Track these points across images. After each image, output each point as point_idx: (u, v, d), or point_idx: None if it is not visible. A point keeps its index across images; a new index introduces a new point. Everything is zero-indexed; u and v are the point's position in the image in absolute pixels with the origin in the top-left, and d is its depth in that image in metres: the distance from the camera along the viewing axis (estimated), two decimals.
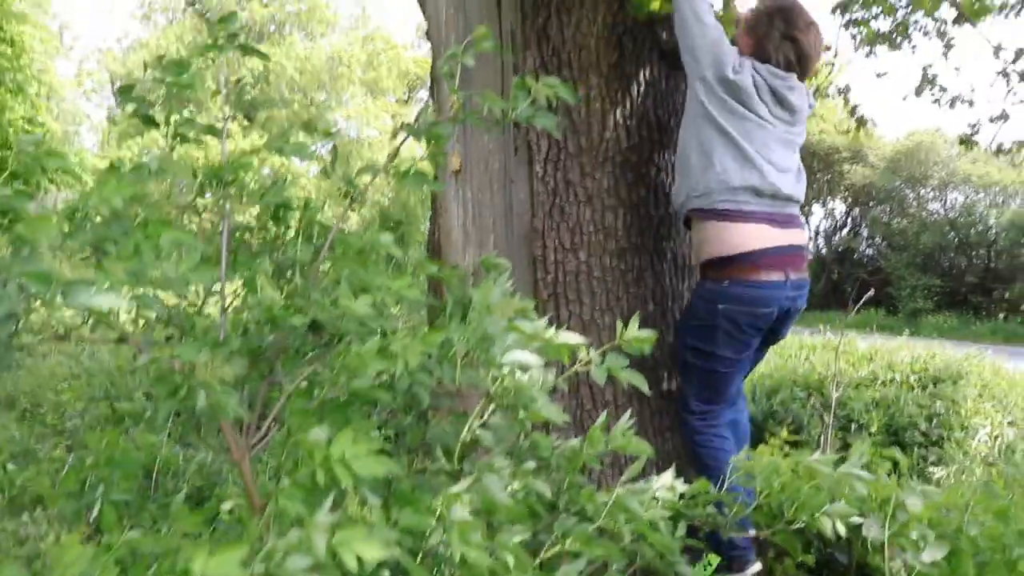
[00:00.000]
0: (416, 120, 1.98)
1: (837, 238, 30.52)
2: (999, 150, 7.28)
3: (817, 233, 30.83)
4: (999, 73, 6.46)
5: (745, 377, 3.29)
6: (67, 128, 28.34)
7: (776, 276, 2.89)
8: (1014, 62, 6.29)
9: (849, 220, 30.71)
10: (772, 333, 3.08)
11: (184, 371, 1.60)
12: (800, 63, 3.01)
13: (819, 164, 28.20)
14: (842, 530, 2.28)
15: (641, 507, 2.03)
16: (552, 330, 1.67)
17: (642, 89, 3.29)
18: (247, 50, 2.03)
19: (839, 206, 30.69)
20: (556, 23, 3.21)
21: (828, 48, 6.42)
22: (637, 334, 1.76)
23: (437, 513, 1.49)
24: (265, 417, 1.85)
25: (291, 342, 1.83)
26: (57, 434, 5.98)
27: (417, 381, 1.65)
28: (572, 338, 1.66)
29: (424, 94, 32.97)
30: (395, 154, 1.99)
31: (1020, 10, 6.22)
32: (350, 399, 1.61)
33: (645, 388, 1.77)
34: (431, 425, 2.13)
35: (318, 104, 30.00)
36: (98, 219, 1.61)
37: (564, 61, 3.20)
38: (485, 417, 1.79)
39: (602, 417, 2.05)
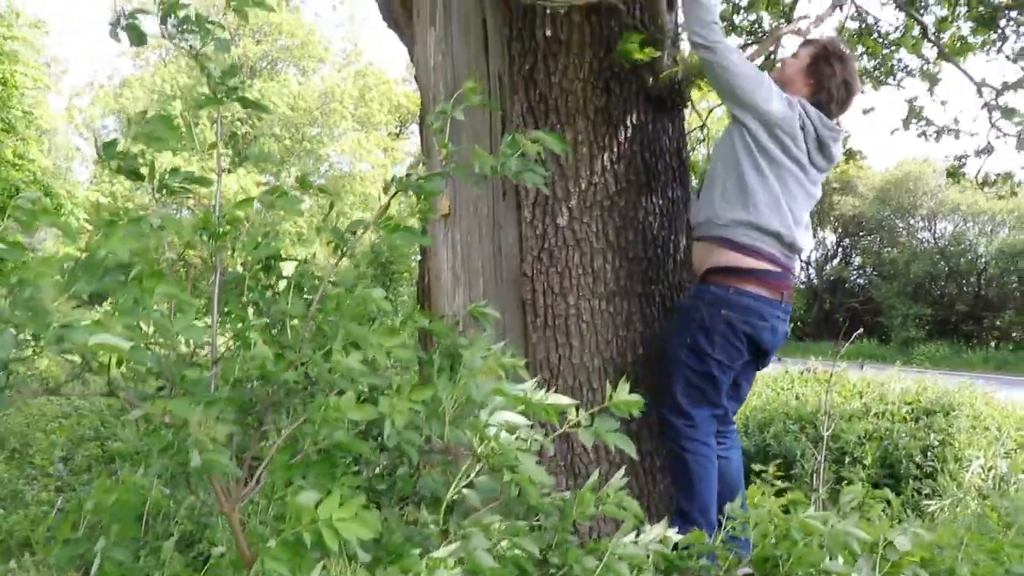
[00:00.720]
0: (407, 174, 1.99)
1: (828, 268, 30.65)
2: (985, 182, 7.33)
3: (808, 263, 30.95)
4: (983, 107, 6.51)
5: (736, 409, 3.30)
6: (58, 163, 28.35)
7: (774, 295, 3.01)
8: (997, 97, 6.35)
9: (840, 250, 30.86)
10: (761, 354, 3.13)
11: (175, 425, 1.60)
12: (848, 103, 3.18)
13: None
14: None
15: (632, 571, 2.02)
16: (541, 392, 1.68)
17: (629, 133, 3.31)
18: (246, 103, 2.05)
19: (830, 236, 30.86)
20: (543, 69, 3.23)
21: None
22: (626, 399, 1.76)
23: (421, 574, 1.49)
24: (255, 468, 1.85)
25: (282, 396, 1.84)
26: (46, 476, 5.93)
27: (405, 440, 1.65)
28: (560, 400, 1.66)
29: (415, 128, 33.12)
30: (385, 208, 2.00)
31: (1000, 47, 6.30)
32: (333, 452, 1.61)
33: (633, 452, 1.77)
34: (422, 475, 2.13)
35: (310, 139, 30.09)
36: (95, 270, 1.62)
37: (551, 106, 3.23)
38: (472, 476, 1.78)
39: (594, 476, 2.05)
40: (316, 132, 30.48)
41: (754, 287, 2.98)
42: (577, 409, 1.82)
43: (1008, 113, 6.44)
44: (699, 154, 6.16)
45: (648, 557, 2.06)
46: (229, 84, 2.00)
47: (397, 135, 34.90)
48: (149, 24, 1.98)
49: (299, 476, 1.64)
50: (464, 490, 1.84)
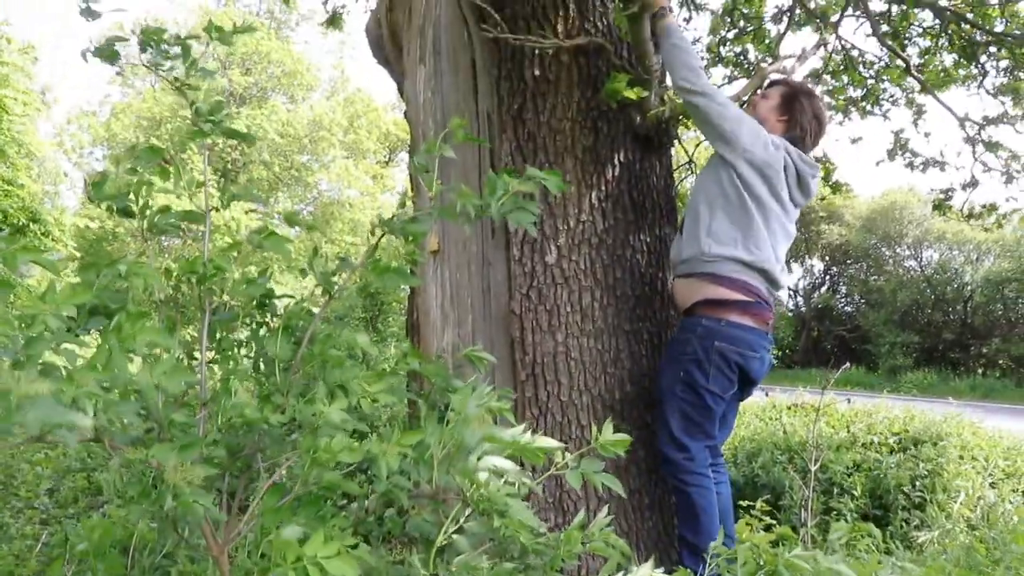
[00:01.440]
0: (392, 216, 2.00)
1: (816, 296, 30.74)
2: (971, 214, 7.39)
3: (796, 291, 31.06)
4: (966, 141, 6.59)
5: (724, 439, 3.31)
6: (46, 188, 28.31)
7: (761, 326, 3.05)
8: (980, 131, 6.43)
9: (827, 278, 30.99)
10: (747, 384, 3.15)
11: (159, 470, 1.60)
12: (820, 136, 3.30)
13: (797, 224, 28.45)
14: None
15: None
16: (528, 435, 1.69)
17: (617, 172, 3.35)
18: (233, 135, 2.06)
19: (817, 264, 31.01)
20: (532, 108, 3.27)
21: None
22: (612, 438, 1.77)
23: None
24: (244, 510, 1.84)
25: (268, 442, 1.84)
26: (31, 508, 5.88)
27: (395, 483, 1.66)
28: (547, 443, 1.67)
29: (404, 155, 33.18)
30: (374, 250, 2.01)
31: (982, 82, 6.38)
32: (322, 494, 1.61)
33: (621, 491, 1.78)
34: (411, 516, 2.13)
35: (299, 166, 30.12)
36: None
37: (540, 145, 3.26)
38: (461, 521, 1.79)
39: (580, 515, 2.06)
40: (305, 159, 30.54)
41: (744, 318, 3.02)
42: (564, 452, 1.83)
43: (992, 147, 6.52)
44: (687, 184, 6.20)
45: None
46: (215, 119, 2.01)
47: (386, 162, 34.97)
48: (134, 51, 1.99)
49: (288, 517, 1.64)
50: (454, 536, 1.85)
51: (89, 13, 2.06)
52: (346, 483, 1.61)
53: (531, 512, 1.81)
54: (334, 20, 6.99)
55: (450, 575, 1.80)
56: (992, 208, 7.30)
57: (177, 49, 1.93)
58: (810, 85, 3.38)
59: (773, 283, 3.11)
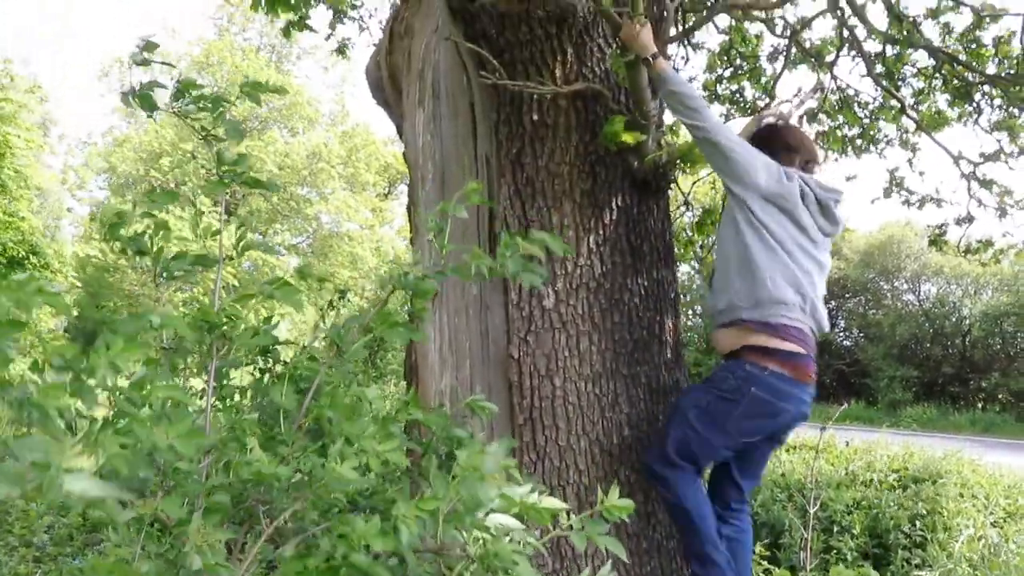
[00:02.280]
0: (403, 272, 2.01)
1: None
2: (968, 250, 7.43)
3: None
4: (962, 178, 6.64)
5: (752, 487, 3.26)
6: (49, 222, 28.40)
7: (802, 378, 2.98)
8: (975, 168, 6.47)
9: (827, 312, 31.02)
10: (776, 440, 3.14)
11: (166, 522, 1.60)
12: (816, 156, 3.31)
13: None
14: None
15: None
16: (534, 494, 1.69)
17: (615, 216, 3.36)
18: (254, 184, 2.07)
19: None
20: (530, 152, 3.29)
21: None
22: (617, 503, 1.77)
23: None
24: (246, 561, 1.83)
25: (273, 494, 1.83)
26: (26, 546, 5.84)
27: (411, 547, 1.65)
28: (554, 503, 1.67)
29: (403, 188, 33.28)
30: (384, 304, 2.02)
31: (977, 119, 6.42)
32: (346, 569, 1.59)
33: (623, 555, 1.78)
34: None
35: (298, 198, 30.19)
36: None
37: (538, 189, 3.28)
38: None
39: (585, 573, 2.05)
40: (304, 191, 30.62)
41: (784, 369, 2.94)
42: (569, 514, 1.83)
43: (987, 184, 6.57)
44: (684, 221, 6.23)
45: None
46: (238, 170, 2.02)
47: (385, 195, 35.08)
48: (160, 96, 2.00)
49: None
50: None
51: (141, 61, 2.06)
52: (375, 567, 1.59)
53: (536, 572, 1.81)
54: (341, 50, 7.18)
55: None
56: (988, 244, 7.34)
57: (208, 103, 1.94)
58: (806, 124, 3.38)
59: (812, 317, 3.04)
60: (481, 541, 1.70)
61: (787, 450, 9.29)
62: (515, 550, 1.64)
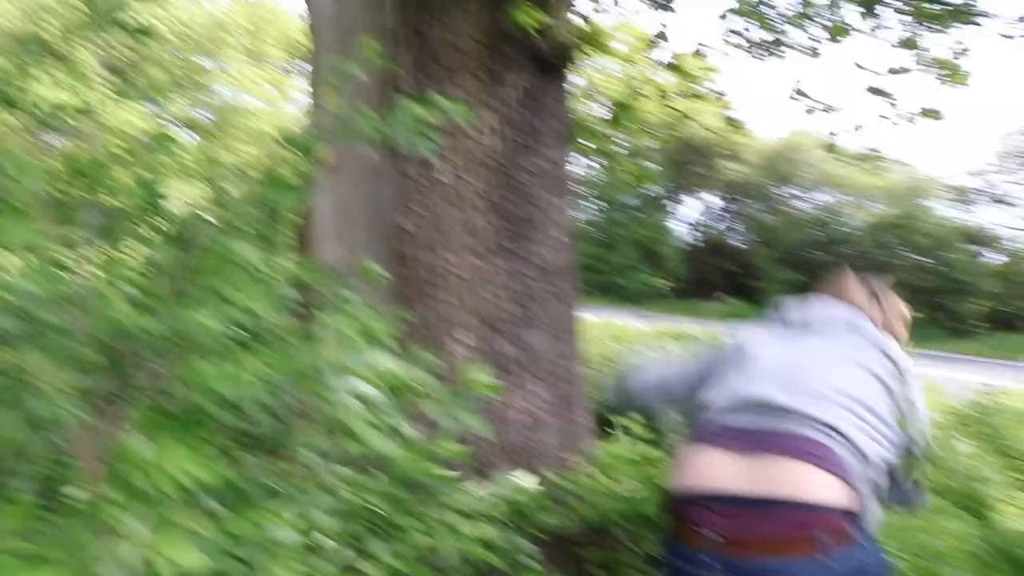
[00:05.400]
0: (293, 133, 1.99)
1: (711, 231, 31.46)
2: (859, 158, 7.66)
3: (692, 225, 31.72)
4: (864, 89, 6.80)
5: None
6: None
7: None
8: (875, 80, 6.62)
9: (723, 214, 31.71)
10: None
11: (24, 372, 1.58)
12: None
13: (697, 159, 29.05)
14: None
15: (472, 524, 2.11)
16: (401, 365, 1.72)
17: (516, 94, 3.36)
18: (130, 30, 2.00)
19: (714, 200, 31.69)
20: (435, 24, 3.24)
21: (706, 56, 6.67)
22: (483, 380, 1.83)
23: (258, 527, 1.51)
24: (118, 419, 1.84)
25: (148, 352, 1.83)
26: None
27: (260, 402, 1.66)
28: (418, 376, 1.71)
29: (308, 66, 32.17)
30: (273, 164, 2.00)
31: (880, 33, 6.53)
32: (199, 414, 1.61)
33: (486, 431, 1.85)
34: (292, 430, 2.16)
35: (198, 70, 28.96)
36: None
37: (441, 63, 3.24)
38: (317, 442, 1.82)
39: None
40: (205, 62, 29.40)
41: None
42: (434, 387, 1.87)
43: (883, 94, 6.75)
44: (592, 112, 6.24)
45: (497, 503, 2.16)
46: (115, 15, 1.95)
47: (289, 71, 33.97)
48: None
49: (164, 427, 1.64)
50: (307, 453, 1.87)
51: None
52: (221, 412, 1.60)
53: (391, 444, 1.86)
54: None
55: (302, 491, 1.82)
56: (878, 153, 7.57)
57: None
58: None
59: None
60: (333, 405, 1.73)
61: (657, 338, 9.47)
62: (369, 420, 1.67)
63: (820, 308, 2.56)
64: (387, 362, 1.71)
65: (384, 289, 3.19)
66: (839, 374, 2.19)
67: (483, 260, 3.25)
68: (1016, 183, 34.57)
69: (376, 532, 1.96)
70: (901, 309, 2.57)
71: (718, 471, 2.02)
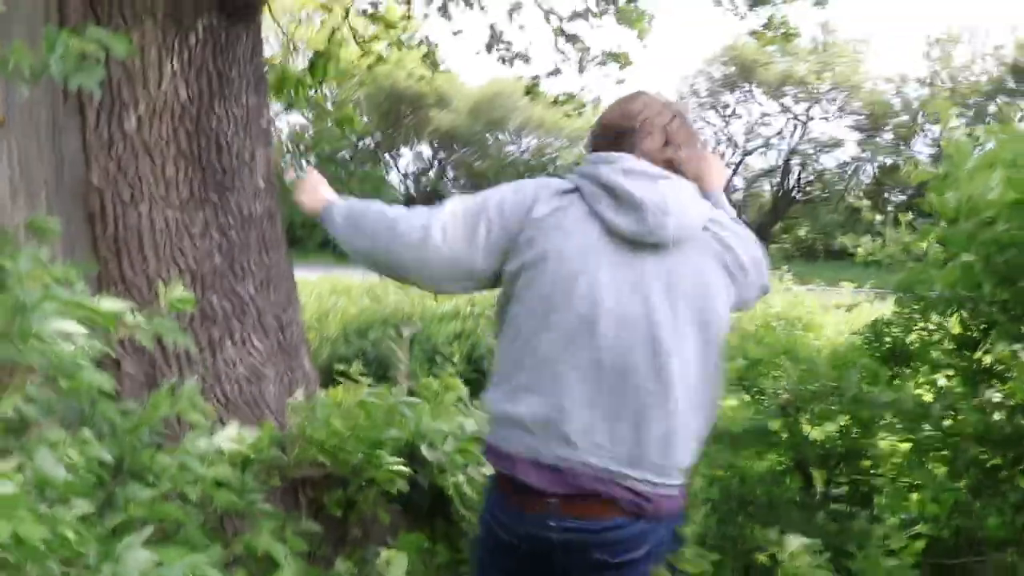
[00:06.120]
0: None
1: (424, 180, 31.91)
2: (555, 100, 8.06)
3: (406, 176, 31.98)
4: (553, 31, 7.13)
5: None
6: None
7: None
8: (562, 24, 6.96)
9: (436, 163, 32.23)
10: None
11: None
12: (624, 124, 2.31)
13: (407, 108, 29.25)
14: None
15: (205, 464, 2.08)
16: (109, 297, 1.66)
17: (200, 38, 3.22)
18: None
19: (426, 150, 32.12)
20: None
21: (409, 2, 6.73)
22: (179, 295, 1.79)
23: None
24: None
25: None
26: None
27: None
28: (114, 304, 1.65)
29: None
30: None
31: None
32: None
33: (193, 347, 1.82)
34: None
35: None
36: None
37: (115, 4, 3.05)
38: (25, 391, 1.72)
39: (167, 383, 2.07)
40: None
41: None
42: (134, 312, 1.81)
43: (571, 39, 7.14)
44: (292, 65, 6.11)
45: (224, 454, 2.13)
46: None
47: None
48: None
49: None
50: (23, 406, 1.78)
51: None
52: None
53: (106, 376, 1.79)
54: None
55: (23, 449, 1.73)
56: (571, 96, 7.99)
57: None
58: None
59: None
60: (40, 351, 1.65)
61: (396, 289, 9.62)
62: (77, 355, 1.61)
63: None
64: (82, 293, 1.64)
65: (81, 251, 3.01)
66: None
67: (181, 211, 3.14)
68: (698, 120, 37.70)
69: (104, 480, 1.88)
70: None
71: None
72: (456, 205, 2.15)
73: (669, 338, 1.93)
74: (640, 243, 1.95)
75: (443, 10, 7.18)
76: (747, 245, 2.15)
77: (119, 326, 1.82)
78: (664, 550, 2.02)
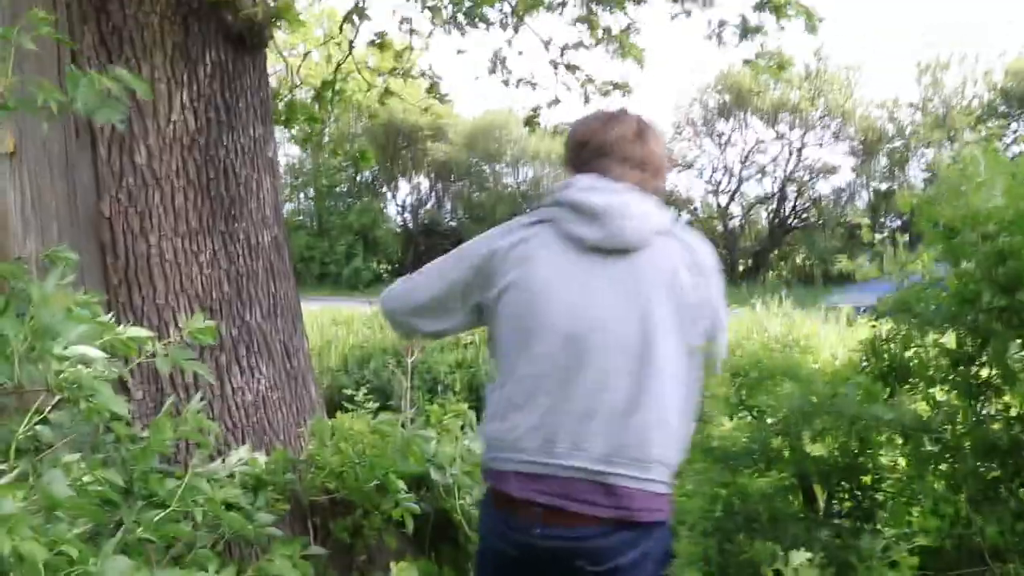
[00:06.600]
0: None
1: (422, 212, 32.00)
2: (555, 130, 8.12)
3: (404, 208, 32.08)
4: (551, 63, 7.21)
5: None
6: None
7: None
8: (562, 54, 7.05)
9: (433, 195, 32.35)
10: None
11: None
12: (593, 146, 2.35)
13: (404, 141, 29.44)
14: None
15: (215, 486, 2.12)
16: (119, 325, 1.71)
17: (209, 71, 3.31)
18: None
19: (424, 182, 32.26)
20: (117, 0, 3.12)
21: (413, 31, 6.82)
22: (200, 326, 1.84)
23: None
24: None
25: None
26: None
27: None
28: (137, 331, 1.70)
29: None
30: None
31: (563, 9, 6.96)
32: None
33: (211, 377, 1.87)
34: None
35: None
36: None
37: (126, 39, 3.13)
38: (45, 412, 1.77)
39: (168, 404, 2.11)
40: None
41: None
42: (155, 341, 1.86)
43: (571, 69, 7.22)
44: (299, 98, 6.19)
45: (234, 476, 2.17)
46: None
47: None
48: None
49: None
50: (37, 427, 1.82)
51: None
52: None
53: (121, 399, 1.83)
54: None
55: (34, 470, 1.77)
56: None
57: None
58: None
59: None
60: (62, 373, 1.69)
61: None
62: (96, 377, 1.66)
63: None
64: (106, 320, 1.69)
65: (92, 280, 3.06)
66: None
67: (189, 241, 3.20)
68: (694, 148, 37.92)
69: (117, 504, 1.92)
70: None
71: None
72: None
73: (641, 338, 1.99)
74: (605, 250, 2.02)
75: (453, 21, 7.22)
76: (708, 252, 2.19)
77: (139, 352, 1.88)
78: (654, 564, 2.05)
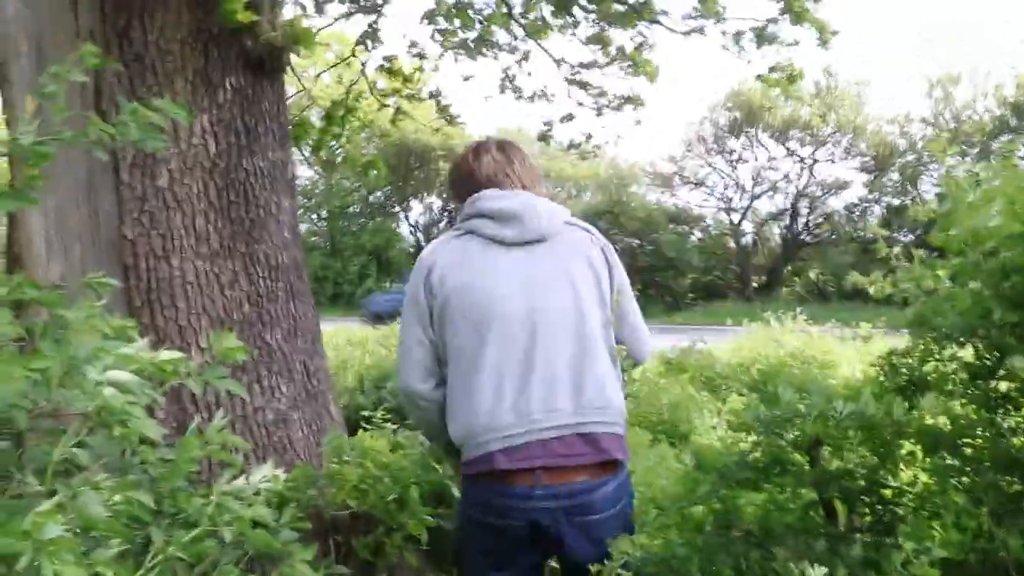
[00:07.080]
0: (14, 137, 1.91)
1: (435, 231, 32.06)
2: (571, 145, 8.17)
3: (416, 227, 32.16)
4: (564, 81, 7.28)
5: None
6: None
7: None
8: (574, 73, 7.11)
9: (446, 214, 32.42)
10: None
11: None
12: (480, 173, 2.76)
13: (416, 161, 29.57)
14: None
15: (242, 504, 2.14)
16: (150, 350, 1.73)
17: (229, 95, 3.36)
18: None
19: (436, 201, 32.36)
20: (139, 26, 3.18)
21: (421, 56, 6.88)
22: (231, 345, 1.87)
23: (28, 534, 1.48)
24: None
25: None
26: None
27: (15, 404, 1.63)
28: (170, 355, 1.73)
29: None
30: None
31: (575, 32, 7.03)
32: None
33: (244, 394, 1.89)
34: (28, 447, 2.08)
35: None
36: None
37: (148, 66, 3.18)
38: (80, 436, 1.79)
39: (193, 424, 2.13)
40: None
41: None
42: (186, 363, 1.89)
43: (583, 86, 7.28)
44: (308, 116, 6.25)
45: (259, 493, 2.19)
46: None
47: None
48: None
49: None
50: (74, 449, 1.85)
51: None
52: None
53: (153, 423, 1.86)
54: None
55: (69, 489, 1.80)
56: (589, 137, 8.10)
57: None
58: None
59: None
60: (97, 398, 1.72)
61: None
62: (130, 401, 1.68)
63: None
64: (141, 347, 1.72)
65: (115, 302, 3.09)
66: None
67: (210, 263, 3.24)
68: (705, 166, 37.98)
69: (147, 522, 1.94)
70: None
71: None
72: None
73: (574, 303, 2.34)
74: (526, 243, 2.37)
75: (463, 46, 7.28)
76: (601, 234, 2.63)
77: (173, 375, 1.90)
78: (629, 505, 2.40)
